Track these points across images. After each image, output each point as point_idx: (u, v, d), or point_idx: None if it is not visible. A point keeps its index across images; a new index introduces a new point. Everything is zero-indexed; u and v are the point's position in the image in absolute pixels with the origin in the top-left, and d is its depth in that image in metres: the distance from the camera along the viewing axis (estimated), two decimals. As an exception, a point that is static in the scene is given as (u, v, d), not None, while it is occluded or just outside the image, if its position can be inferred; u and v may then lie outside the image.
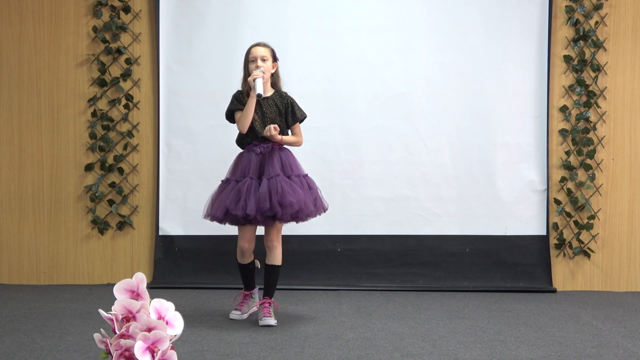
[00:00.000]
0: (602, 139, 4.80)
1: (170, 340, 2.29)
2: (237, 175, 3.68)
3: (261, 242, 3.75)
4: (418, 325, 3.65)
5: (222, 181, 3.77)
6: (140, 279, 2.36)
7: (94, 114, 4.79)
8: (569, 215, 4.81)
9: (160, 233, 4.80)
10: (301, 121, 3.79)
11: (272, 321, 3.61)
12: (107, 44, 4.78)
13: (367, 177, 4.81)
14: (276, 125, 3.63)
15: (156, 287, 4.62)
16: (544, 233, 4.81)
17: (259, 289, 3.85)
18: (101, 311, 2.34)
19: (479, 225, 4.81)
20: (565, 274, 4.84)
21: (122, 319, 2.31)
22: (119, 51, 4.79)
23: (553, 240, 4.82)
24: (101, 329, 2.39)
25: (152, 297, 2.36)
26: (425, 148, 4.81)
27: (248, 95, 3.65)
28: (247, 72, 3.71)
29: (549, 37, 4.77)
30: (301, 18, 4.79)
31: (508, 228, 4.81)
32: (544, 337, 3.42)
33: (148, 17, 4.82)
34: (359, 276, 4.78)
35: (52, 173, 4.82)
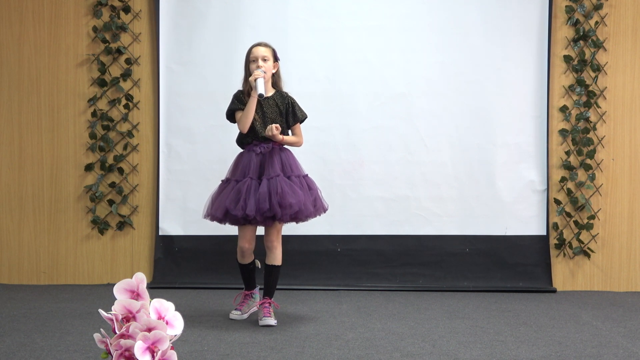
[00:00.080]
0: (602, 139, 4.80)
1: (170, 340, 2.29)
2: (237, 175, 3.68)
3: (261, 242, 3.76)
4: (418, 325, 3.65)
5: (222, 181, 3.77)
6: (140, 279, 2.36)
7: (94, 114, 4.79)
8: (569, 215, 4.81)
9: (160, 233, 4.80)
10: (302, 121, 3.79)
11: (272, 321, 3.61)
12: (107, 44, 4.78)
13: (367, 177, 4.81)
14: (278, 125, 3.63)
15: (156, 287, 4.62)
16: (544, 233, 4.81)
17: (260, 288, 3.85)
18: (101, 311, 2.34)
19: (479, 225, 4.81)
20: (565, 274, 4.84)
21: (122, 319, 2.31)
22: (119, 51, 4.79)
23: (553, 240, 4.82)
24: (101, 329, 2.39)
25: (152, 297, 2.36)
26: (425, 148, 4.81)
27: (249, 95, 3.65)
28: (248, 72, 3.71)
29: (549, 37, 4.77)
30: (301, 18, 4.79)
31: (508, 228, 4.81)
32: (544, 337, 3.42)
33: (148, 17, 4.82)
34: (359, 276, 4.78)
35: (52, 173, 4.82)
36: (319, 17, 4.79)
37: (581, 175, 4.81)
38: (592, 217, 4.80)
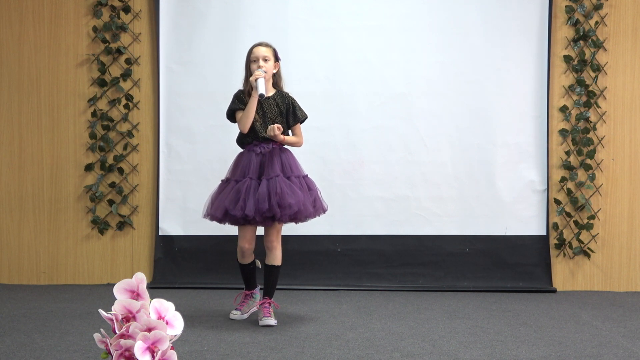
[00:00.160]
0: (602, 139, 4.80)
1: (170, 340, 2.29)
2: (237, 175, 3.68)
3: (261, 243, 3.76)
4: (418, 325, 3.65)
5: (222, 181, 3.77)
6: (140, 279, 2.36)
7: (94, 114, 4.79)
8: (569, 215, 4.81)
9: (160, 233, 4.80)
10: (302, 122, 3.79)
11: (272, 321, 3.61)
12: (107, 44, 4.78)
13: (367, 177, 4.81)
14: (279, 126, 3.63)
15: (156, 287, 4.62)
16: (544, 233, 4.81)
17: (260, 288, 3.85)
18: (101, 311, 2.34)
19: (479, 225, 4.81)
20: (565, 274, 4.84)
21: (122, 319, 2.31)
22: (119, 51, 4.79)
23: (553, 240, 4.82)
24: (101, 329, 2.39)
25: (152, 297, 2.36)
26: (425, 148, 4.81)
27: (249, 94, 3.65)
28: (249, 72, 3.70)
29: (549, 37, 4.77)
30: (301, 18, 4.79)
31: (508, 228, 4.81)
32: (544, 337, 3.42)
33: (148, 17, 4.82)
34: (359, 276, 4.78)
35: (52, 173, 4.82)
36: (319, 17, 4.79)
37: (581, 175, 4.81)
38: (592, 217, 4.80)
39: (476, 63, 4.79)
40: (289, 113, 3.74)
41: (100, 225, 4.80)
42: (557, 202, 4.81)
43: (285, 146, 3.76)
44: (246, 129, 3.66)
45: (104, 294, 4.40)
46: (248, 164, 3.67)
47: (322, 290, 4.66)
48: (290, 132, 3.80)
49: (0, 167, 4.82)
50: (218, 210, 3.64)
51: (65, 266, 4.83)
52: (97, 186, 4.79)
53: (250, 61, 3.70)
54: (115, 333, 2.29)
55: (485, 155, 4.81)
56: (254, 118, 3.66)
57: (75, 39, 4.81)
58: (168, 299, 2.38)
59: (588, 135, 4.79)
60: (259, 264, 3.82)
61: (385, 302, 4.30)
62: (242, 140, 3.76)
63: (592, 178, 4.79)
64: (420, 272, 4.79)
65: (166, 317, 2.32)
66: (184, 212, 4.78)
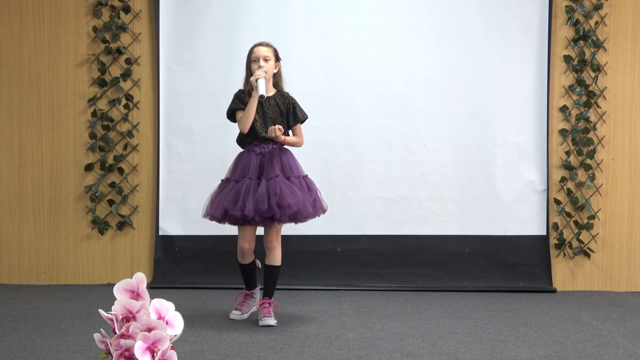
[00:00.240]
0: (602, 139, 4.80)
1: (170, 340, 2.29)
2: (237, 175, 3.68)
3: (261, 243, 3.76)
4: (418, 325, 3.65)
5: (222, 181, 3.77)
6: (140, 279, 2.36)
7: (94, 114, 4.79)
8: (569, 215, 4.81)
9: (160, 233, 4.80)
10: (302, 122, 3.78)
11: (272, 321, 3.61)
12: (107, 44, 4.78)
13: (367, 177, 4.81)
14: (281, 127, 3.63)
15: (156, 287, 4.62)
16: (544, 233, 4.81)
17: (260, 288, 3.85)
18: (101, 311, 2.34)
19: (479, 225, 4.81)
20: (565, 274, 4.84)
21: (122, 319, 2.31)
22: (119, 51, 4.79)
23: (553, 240, 4.82)
24: (101, 329, 2.39)
25: (152, 297, 2.36)
26: (425, 148, 4.81)
27: (250, 94, 3.65)
28: (249, 72, 3.70)
29: (549, 37, 4.77)
30: (301, 18, 4.79)
31: (508, 228, 4.81)
32: (544, 337, 3.42)
33: (148, 17, 4.82)
34: (359, 276, 4.78)
35: (52, 173, 4.82)
36: (319, 17, 4.79)
37: (581, 175, 4.81)
38: (592, 217, 4.80)
39: (476, 63, 4.79)
40: (289, 113, 3.74)
41: (100, 225, 4.80)
42: (557, 202, 4.81)
43: (286, 146, 3.76)
44: (246, 129, 3.66)
45: (104, 294, 4.40)
46: (248, 164, 3.66)
47: (322, 290, 4.66)
48: (290, 132, 3.80)
49: (0, 167, 4.82)
50: (217, 210, 3.64)
51: (65, 266, 4.83)
52: (97, 186, 4.79)
53: (251, 61, 3.69)
54: (115, 333, 2.29)
55: (485, 155, 4.81)
56: (254, 118, 3.66)
57: (75, 39, 4.81)
58: (168, 299, 2.38)
59: (588, 135, 4.79)
60: (259, 264, 3.82)
61: (385, 302, 4.30)
62: (242, 140, 3.76)
63: (592, 178, 4.79)
64: (420, 272, 4.79)
65: (166, 317, 2.32)
66: (184, 212, 4.78)
